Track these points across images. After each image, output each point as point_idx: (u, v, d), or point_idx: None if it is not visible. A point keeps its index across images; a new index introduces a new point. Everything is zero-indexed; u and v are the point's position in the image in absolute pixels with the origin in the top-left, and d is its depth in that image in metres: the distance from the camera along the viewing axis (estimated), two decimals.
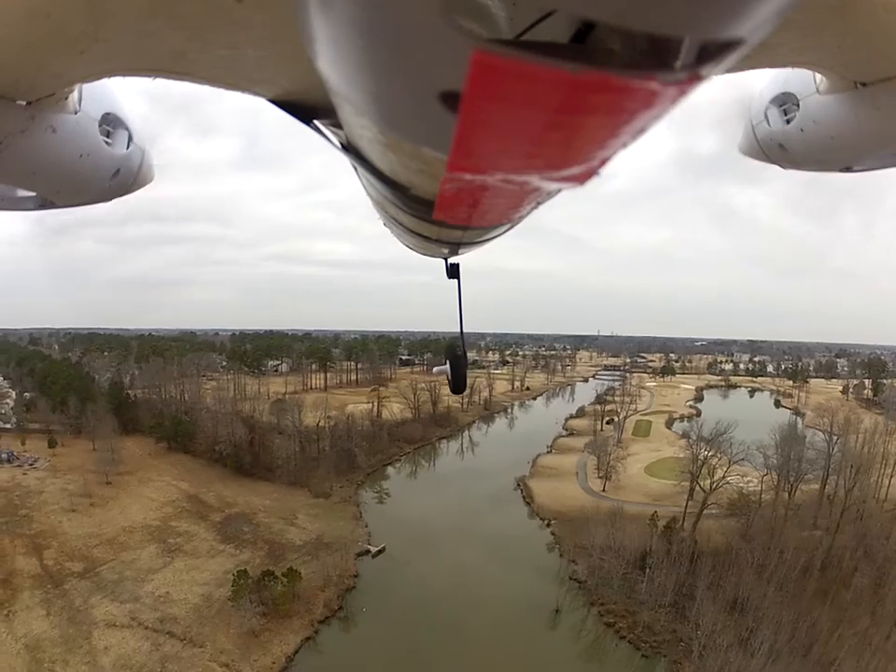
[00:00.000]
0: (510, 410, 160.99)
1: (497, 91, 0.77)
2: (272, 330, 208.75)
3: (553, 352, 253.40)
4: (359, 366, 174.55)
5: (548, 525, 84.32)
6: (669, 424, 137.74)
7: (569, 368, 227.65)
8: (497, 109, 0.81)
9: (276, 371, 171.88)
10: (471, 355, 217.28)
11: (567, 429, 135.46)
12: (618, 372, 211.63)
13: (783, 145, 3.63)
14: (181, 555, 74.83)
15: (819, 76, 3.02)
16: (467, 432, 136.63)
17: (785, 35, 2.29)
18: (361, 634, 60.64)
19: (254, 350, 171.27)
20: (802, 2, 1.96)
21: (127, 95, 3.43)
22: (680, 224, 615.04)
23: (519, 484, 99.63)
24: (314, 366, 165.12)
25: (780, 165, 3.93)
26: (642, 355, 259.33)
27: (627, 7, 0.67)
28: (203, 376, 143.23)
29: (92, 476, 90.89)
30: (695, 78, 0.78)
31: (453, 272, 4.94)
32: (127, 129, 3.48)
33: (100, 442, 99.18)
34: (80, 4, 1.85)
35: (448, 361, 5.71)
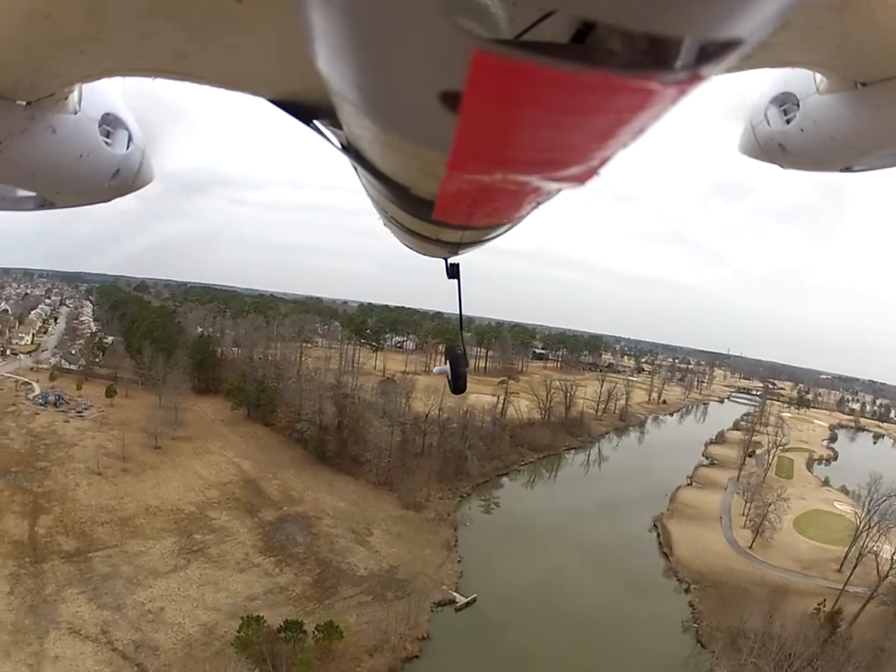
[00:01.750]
0: (645, 424, 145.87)
1: (497, 91, 0.77)
2: (402, 307, 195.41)
3: (688, 365, 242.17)
4: (489, 353, 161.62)
5: (686, 590, 67.89)
6: (810, 465, 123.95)
7: (705, 385, 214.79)
8: (497, 109, 0.81)
9: (400, 347, 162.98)
10: (607, 357, 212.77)
11: (707, 457, 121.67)
12: (752, 396, 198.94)
13: (783, 145, 3.62)
14: (202, 560, 60.12)
15: (818, 76, 3.03)
16: (598, 444, 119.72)
17: (785, 35, 2.30)
18: None
19: (377, 323, 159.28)
20: (802, 2, 1.84)
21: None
22: (818, 246, 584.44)
23: (656, 525, 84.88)
24: (440, 347, 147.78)
25: (780, 165, 3.91)
26: (772, 380, 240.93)
27: (627, 7, 0.67)
28: (308, 342, 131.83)
29: (141, 436, 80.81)
30: (695, 78, 0.78)
31: (453, 272, 4.93)
32: (127, 129, 3.46)
33: (166, 398, 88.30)
34: (80, 4, 1.85)
35: (448, 361, 5.72)
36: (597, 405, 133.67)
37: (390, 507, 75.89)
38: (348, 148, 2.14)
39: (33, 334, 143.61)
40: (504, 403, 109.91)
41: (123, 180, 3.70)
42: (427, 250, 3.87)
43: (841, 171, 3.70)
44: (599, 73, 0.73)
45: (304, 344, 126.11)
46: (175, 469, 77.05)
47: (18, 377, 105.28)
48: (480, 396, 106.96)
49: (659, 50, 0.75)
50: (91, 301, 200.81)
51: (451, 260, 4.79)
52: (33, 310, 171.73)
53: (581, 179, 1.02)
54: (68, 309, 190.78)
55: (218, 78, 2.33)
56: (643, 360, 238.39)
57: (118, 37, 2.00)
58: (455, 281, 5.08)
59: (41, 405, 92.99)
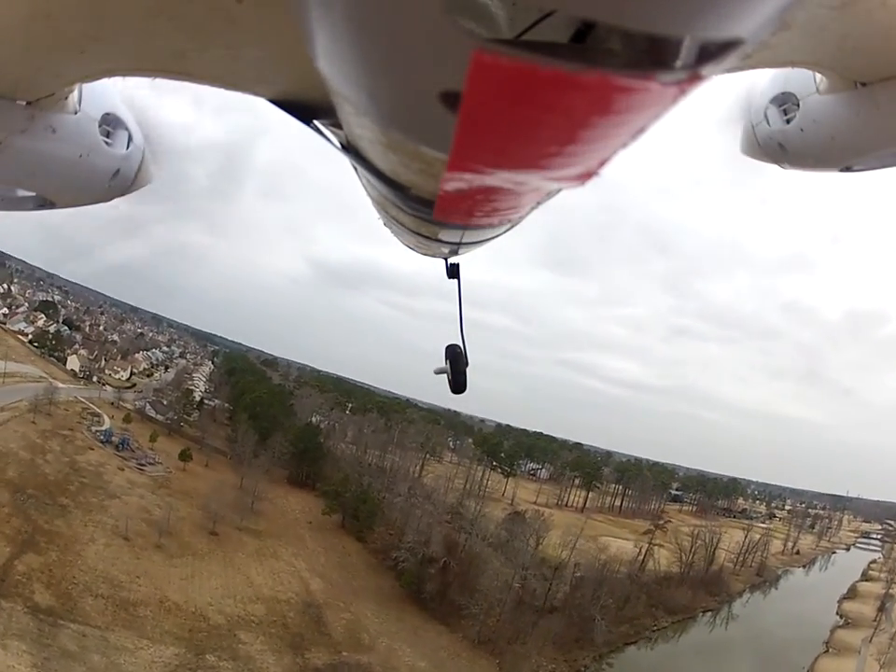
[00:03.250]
0: (781, 578, 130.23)
1: (497, 91, 0.77)
2: (539, 432, 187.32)
3: (815, 510, 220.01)
4: (627, 492, 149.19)
5: None
6: None
7: (832, 531, 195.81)
8: (497, 109, 0.81)
9: (533, 474, 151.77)
10: (741, 502, 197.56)
11: (841, 615, 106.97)
12: (871, 540, 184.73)
13: (783, 145, 3.65)
14: None
15: (818, 76, 3.05)
16: (735, 604, 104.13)
17: (785, 35, 2.33)
18: None
19: (513, 446, 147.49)
20: (802, 2, 2.03)
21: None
22: None
23: None
24: (576, 480, 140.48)
25: (780, 165, 3.95)
26: (889, 522, 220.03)
27: (627, 7, 0.67)
28: (433, 456, 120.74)
29: (199, 514, 69.55)
30: (695, 78, 0.78)
31: (453, 272, 4.90)
32: (127, 129, 3.47)
33: (250, 480, 77.98)
34: (80, 4, 1.88)
35: (448, 361, 5.58)
36: (737, 558, 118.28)
37: None
38: (348, 148, 2.14)
39: (132, 372, 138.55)
40: (646, 556, 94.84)
41: (123, 180, 3.74)
42: (428, 250, 3.88)
43: (841, 171, 3.72)
44: (599, 73, 0.73)
45: (427, 457, 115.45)
46: (224, 565, 63.60)
47: (92, 406, 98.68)
48: (613, 540, 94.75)
49: (659, 50, 0.76)
50: (212, 363, 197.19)
51: (451, 261, 4.72)
52: (143, 350, 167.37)
53: (580, 179, 1.02)
54: (184, 362, 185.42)
55: (218, 78, 2.35)
56: (773, 505, 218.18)
57: (118, 37, 2.04)
58: (455, 281, 5.04)
59: (101, 442, 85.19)
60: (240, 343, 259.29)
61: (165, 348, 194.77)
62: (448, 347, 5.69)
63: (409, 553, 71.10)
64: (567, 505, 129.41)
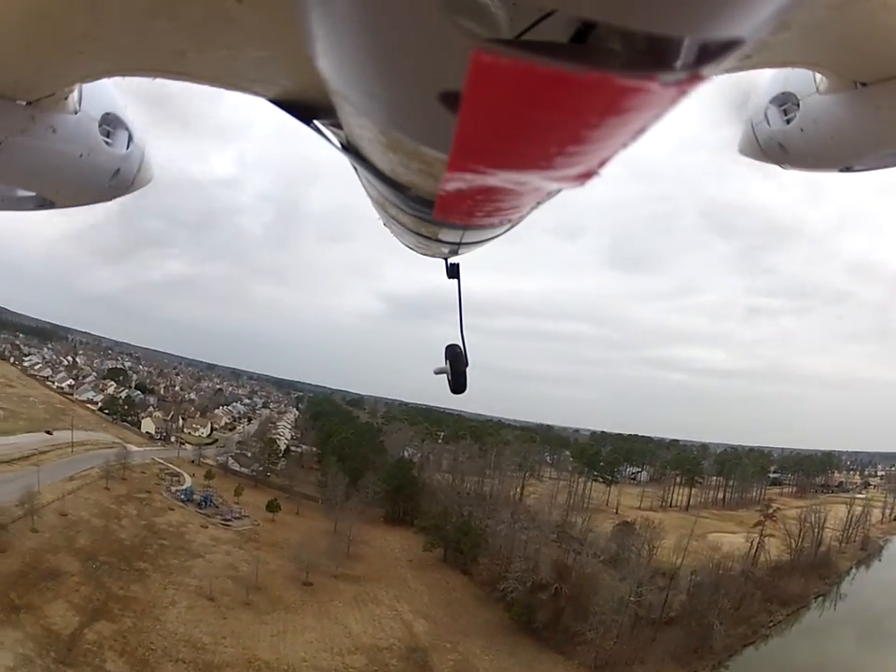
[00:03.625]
0: (884, 548, 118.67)
1: (497, 91, 0.77)
2: (635, 434, 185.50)
3: None
4: (729, 483, 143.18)
5: None
6: None
7: None
8: (497, 109, 0.81)
9: (633, 479, 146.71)
10: (838, 476, 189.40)
11: None
12: None
13: (783, 145, 3.66)
14: None
15: (818, 76, 3.05)
16: (844, 584, 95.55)
17: (785, 35, 2.32)
18: None
19: (611, 453, 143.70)
20: (802, 2, 2.03)
21: None
22: None
23: None
24: (678, 478, 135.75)
25: (780, 165, 3.96)
26: None
27: (627, 7, 0.67)
28: (532, 475, 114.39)
29: (291, 566, 64.75)
30: (695, 78, 0.78)
31: (453, 272, 4.89)
32: (127, 129, 3.47)
33: (343, 524, 73.93)
34: (80, 4, 1.88)
35: (448, 361, 5.58)
36: (841, 535, 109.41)
37: None
38: (348, 148, 2.16)
39: (213, 428, 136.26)
40: (758, 550, 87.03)
41: (123, 180, 3.73)
42: (428, 250, 3.88)
43: (841, 171, 3.73)
44: (599, 73, 0.73)
45: (527, 476, 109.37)
46: (319, 616, 58.53)
47: (171, 466, 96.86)
48: (725, 536, 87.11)
49: (659, 50, 0.75)
50: (297, 409, 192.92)
51: (451, 260, 4.73)
52: (223, 405, 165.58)
53: (581, 179, 1.02)
54: (268, 412, 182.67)
55: (218, 78, 2.35)
56: (866, 473, 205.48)
57: (118, 37, 2.04)
58: (455, 281, 5.03)
59: (182, 501, 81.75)
60: (324, 387, 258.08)
61: (247, 400, 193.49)
62: (448, 347, 5.51)
63: (517, 582, 65.70)
64: (671, 506, 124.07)
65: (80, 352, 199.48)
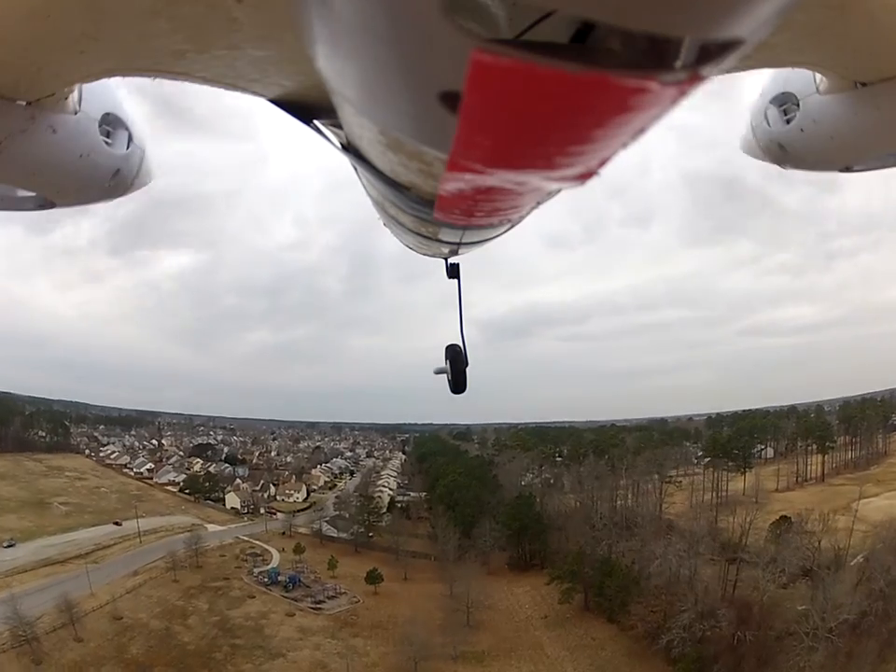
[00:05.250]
0: None
1: (497, 91, 0.76)
2: (749, 410, 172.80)
3: None
4: (854, 441, 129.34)
5: None
6: None
7: None
8: (497, 109, 0.80)
9: (759, 456, 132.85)
10: None
11: None
12: None
13: (783, 145, 3.66)
14: None
15: (818, 76, 3.04)
16: None
17: (785, 35, 2.32)
18: None
19: (735, 434, 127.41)
20: (802, 2, 2.05)
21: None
22: None
23: None
24: (810, 447, 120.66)
25: (780, 165, 3.95)
26: None
27: (627, 7, 0.66)
28: (669, 481, 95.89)
29: (397, 654, 52.68)
30: (695, 78, 0.78)
31: (453, 272, 4.87)
32: (127, 129, 3.47)
33: (460, 585, 62.93)
34: (80, 4, 1.89)
35: (448, 361, 5.57)
36: None
37: None
38: (348, 148, 2.17)
39: (309, 491, 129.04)
40: None
41: (123, 180, 3.73)
42: (428, 250, 3.90)
43: (841, 171, 3.74)
44: (599, 73, 0.72)
45: (661, 482, 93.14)
46: None
47: (256, 543, 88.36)
48: (871, 502, 74.43)
49: (659, 50, 0.75)
50: (403, 453, 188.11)
51: (451, 260, 4.73)
52: (321, 464, 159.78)
53: (581, 179, 1.01)
54: (372, 462, 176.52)
55: (218, 78, 2.36)
56: None
57: (118, 37, 2.05)
58: (455, 281, 5.01)
59: (265, 585, 72.80)
60: (429, 423, 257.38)
61: (348, 453, 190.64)
62: (448, 347, 5.49)
63: (682, 631, 53.16)
64: (805, 480, 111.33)
65: (169, 433, 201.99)
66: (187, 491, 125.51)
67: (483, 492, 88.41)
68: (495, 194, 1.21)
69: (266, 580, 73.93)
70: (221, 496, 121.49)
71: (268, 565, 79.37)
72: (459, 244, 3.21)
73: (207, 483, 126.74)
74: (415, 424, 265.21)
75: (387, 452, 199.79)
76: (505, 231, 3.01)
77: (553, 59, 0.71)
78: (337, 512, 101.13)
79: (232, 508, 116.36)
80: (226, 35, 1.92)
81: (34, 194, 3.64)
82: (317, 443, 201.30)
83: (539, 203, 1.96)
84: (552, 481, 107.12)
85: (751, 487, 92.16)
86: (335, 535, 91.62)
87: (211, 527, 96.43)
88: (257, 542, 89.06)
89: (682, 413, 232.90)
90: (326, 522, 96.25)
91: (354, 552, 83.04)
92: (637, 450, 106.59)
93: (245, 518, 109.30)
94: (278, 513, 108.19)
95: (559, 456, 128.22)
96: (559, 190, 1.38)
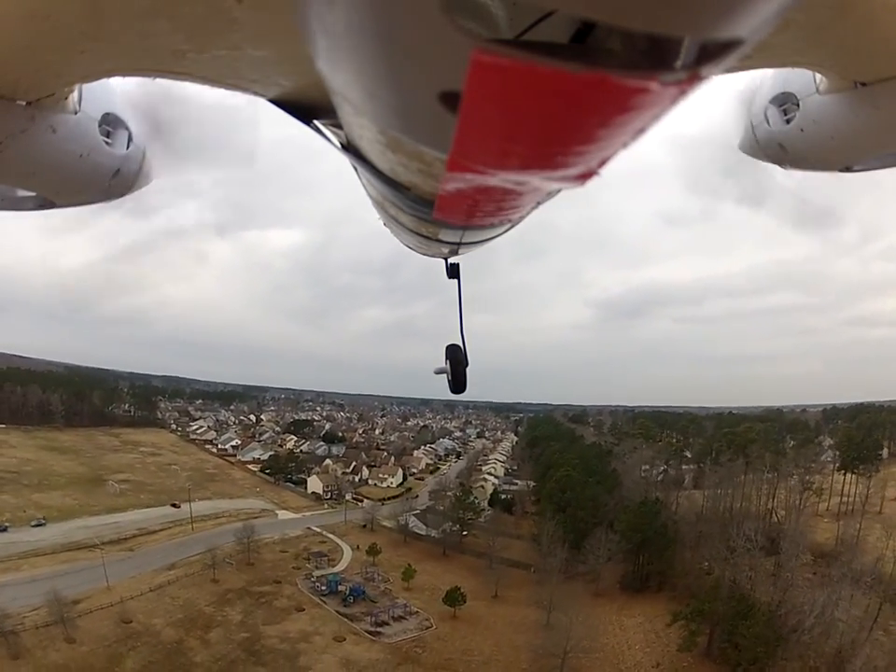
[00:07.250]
0: None
1: (497, 91, 0.76)
2: (862, 403, 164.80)
3: None
4: None
5: None
6: None
7: None
8: (497, 109, 0.80)
9: (879, 457, 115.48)
10: None
11: None
12: None
13: (783, 145, 3.66)
14: None
15: (818, 76, 3.05)
16: None
17: (785, 35, 2.32)
18: None
19: (857, 430, 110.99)
20: (802, 2, 2.07)
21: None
22: None
23: None
24: None
25: (780, 165, 3.93)
26: None
27: (627, 7, 0.66)
28: (809, 487, 75.79)
29: None
30: (695, 78, 0.77)
31: (453, 272, 4.86)
32: (127, 129, 3.47)
33: (560, 612, 50.34)
34: (80, 4, 1.89)
35: (448, 361, 5.52)
36: None
37: None
38: (348, 148, 2.18)
39: (406, 475, 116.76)
40: None
41: (124, 180, 3.71)
42: (428, 250, 3.90)
43: (841, 171, 3.72)
44: (599, 73, 0.72)
45: (804, 491, 75.18)
46: None
47: (328, 536, 75.92)
48: None
49: (659, 50, 0.75)
50: (515, 434, 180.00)
51: (451, 260, 4.71)
52: (427, 444, 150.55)
53: (581, 179, 1.01)
54: (482, 443, 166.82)
55: (218, 78, 2.37)
56: None
57: (118, 37, 2.05)
58: (455, 281, 4.98)
59: (321, 595, 59.70)
60: (545, 404, 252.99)
61: (458, 433, 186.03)
62: (448, 347, 5.47)
63: None
64: None
65: (272, 408, 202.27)
66: (267, 471, 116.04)
67: (599, 492, 75.31)
68: (494, 194, 1.19)
69: (323, 588, 61.32)
70: (304, 478, 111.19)
71: (334, 567, 66.89)
72: (459, 244, 3.18)
73: (291, 464, 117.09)
74: (530, 403, 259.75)
75: (499, 433, 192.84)
76: (505, 232, 2.97)
77: (553, 59, 0.71)
78: (430, 503, 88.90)
79: (313, 492, 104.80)
80: (226, 35, 1.91)
81: (34, 194, 3.58)
82: (426, 422, 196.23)
83: (539, 203, 1.96)
84: (683, 482, 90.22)
85: (873, 494, 78.94)
86: (423, 532, 79.27)
87: (282, 514, 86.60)
88: (329, 536, 77.12)
89: (795, 402, 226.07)
90: (414, 515, 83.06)
91: (441, 555, 71.30)
92: (768, 446, 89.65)
93: (326, 505, 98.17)
94: (364, 501, 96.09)
95: (687, 450, 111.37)
96: (559, 190, 1.36)
